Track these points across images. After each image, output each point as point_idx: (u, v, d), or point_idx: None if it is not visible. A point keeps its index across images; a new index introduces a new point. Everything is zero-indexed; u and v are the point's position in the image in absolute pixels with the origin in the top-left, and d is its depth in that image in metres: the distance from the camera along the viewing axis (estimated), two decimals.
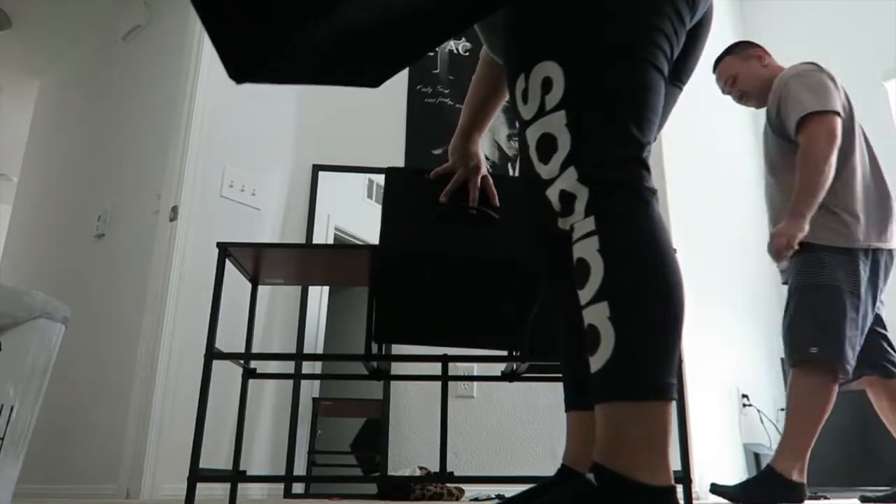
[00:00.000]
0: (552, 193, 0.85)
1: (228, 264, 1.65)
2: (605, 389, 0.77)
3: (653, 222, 0.82)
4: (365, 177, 3.29)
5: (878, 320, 2.17)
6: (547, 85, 0.86)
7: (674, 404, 0.78)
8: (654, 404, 0.75)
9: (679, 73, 1.05)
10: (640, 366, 0.77)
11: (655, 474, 0.74)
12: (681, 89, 1.08)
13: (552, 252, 1.01)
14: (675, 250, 0.84)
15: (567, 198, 0.83)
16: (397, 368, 2.78)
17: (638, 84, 0.85)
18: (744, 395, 3.54)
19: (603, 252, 0.79)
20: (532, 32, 0.90)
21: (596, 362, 0.78)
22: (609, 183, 0.82)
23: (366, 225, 3.25)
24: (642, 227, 0.81)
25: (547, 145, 0.85)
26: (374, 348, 1.59)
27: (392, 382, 2.95)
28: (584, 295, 0.80)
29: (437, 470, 2.67)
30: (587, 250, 0.81)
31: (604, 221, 0.81)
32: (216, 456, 2.56)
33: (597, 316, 0.78)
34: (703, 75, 4.31)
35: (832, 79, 2.15)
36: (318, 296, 3.04)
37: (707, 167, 3.77)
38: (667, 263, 0.81)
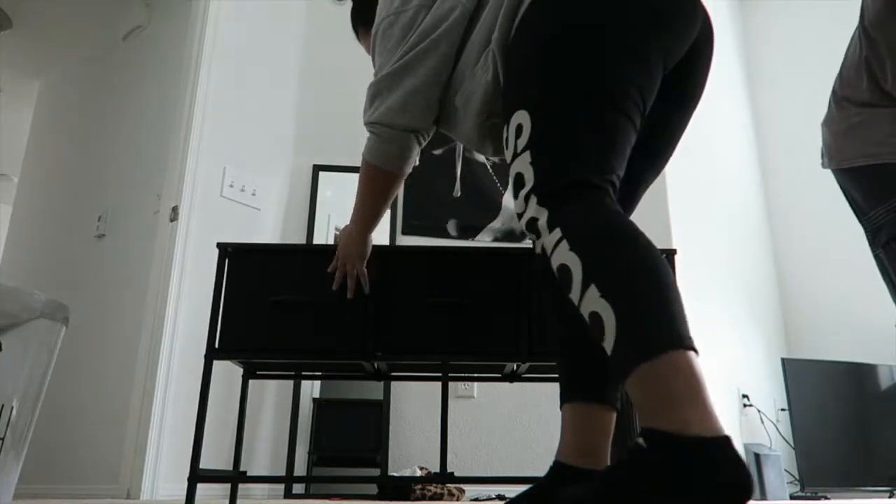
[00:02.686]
0: (524, 223, 0.94)
1: (227, 270, 1.65)
2: (624, 360, 0.77)
3: (612, 212, 0.89)
4: None
5: None
6: (518, 130, 0.97)
7: (696, 357, 0.76)
8: (674, 354, 0.74)
9: (680, 96, 1.12)
10: (647, 323, 0.77)
11: (704, 425, 0.71)
12: (685, 110, 1.16)
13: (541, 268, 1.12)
14: (637, 228, 0.89)
15: (531, 222, 0.92)
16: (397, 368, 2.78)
17: (592, 123, 0.94)
18: (744, 395, 3.54)
19: (574, 248, 0.85)
20: (509, 89, 1.04)
21: (608, 343, 0.78)
22: (565, 200, 0.90)
23: None
24: (603, 216, 0.88)
25: (518, 182, 0.95)
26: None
27: (392, 382, 2.95)
28: (574, 294, 0.84)
29: (437, 470, 2.67)
30: (562, 255, 0.86)
31: (567, 225, 0.87)
32: (216, 456, 2.57)
33: (591, 301, 0.81)
34: None
35: None
36: None
37: (707, 167, 3.77)
38: (636, 235, 0.86)
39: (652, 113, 1.04)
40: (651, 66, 0.99)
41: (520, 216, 0.95)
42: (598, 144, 0.93)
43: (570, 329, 1.13)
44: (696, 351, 0.76)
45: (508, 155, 1.00)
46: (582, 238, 0.86)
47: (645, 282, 0.80)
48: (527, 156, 0.94)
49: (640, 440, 0.74)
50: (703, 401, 0.73)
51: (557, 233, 0.87)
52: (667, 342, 0.75)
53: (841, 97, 1.75)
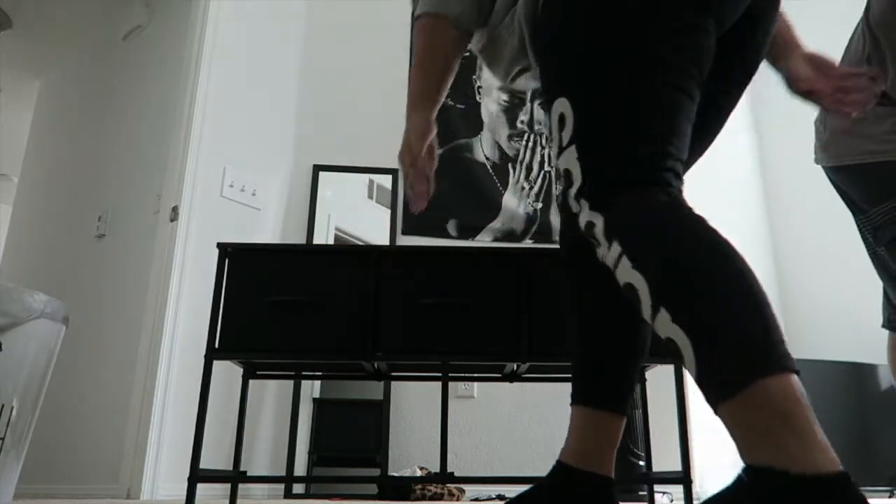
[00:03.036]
0: (582, 227, 0.86)
1: (227, 270, 1.65)
2: (708, 398, 0.70)
3: (675, 213, 0.79)
4: (366, 177, 3.29)
5: None
6: (561, 121, 0.87)
7: (788, 377, 0.66)
8: (760, 384, 0.65)
9: (738, 61, 1.00)
10: (724, 354, 0.68)
11: (810, 461, 0.62)
12: (742, 77, 1.03)
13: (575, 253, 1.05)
14: (711, 228, 0.78)
15: (588, 227, 0.84)
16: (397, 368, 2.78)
17: (643, 105, 0.83)
18: None
19: (637, 266, 0.76)
20: (545, 72, 0.94)
21: (691, 373, 0.71)
22: (620, 202, 0.81)
23: (366, 225, 3.25)
24: (664, 219, 0.79)
25: (566, 179, 0.87)
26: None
27: (392, 382, 2.95)
28: (646, 315, 0.76)
29: (437, 470, 2.67)
30: (626, 273, 0.78)
31: (626, 237, 0.79)
32: (216, 456, 2.57)
33: (665, 327, 0.73)
34: None
35: None
36: None
37: (707, 167, 3.77)
38: (703, 236, 0.76)
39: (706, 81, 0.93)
40: (704, 30, 0.87)
41: (575, 216, 0.87)
42: (653, 130, 0.83)
43: (597, 329, 1.06)
44: (788, 368, 0.66)
45: (554, 148, 0.91)
46: (644, 252, 0.77)
47: (719, 299, 0.71)
48: (573, 151, 0.85)
49: (742, 474, 0.67)
50: (802, 430, 0.63)
51: (616, 248, 0.79)
52: (749, 372, 0.66)
53: None
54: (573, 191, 0.85)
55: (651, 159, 0.82)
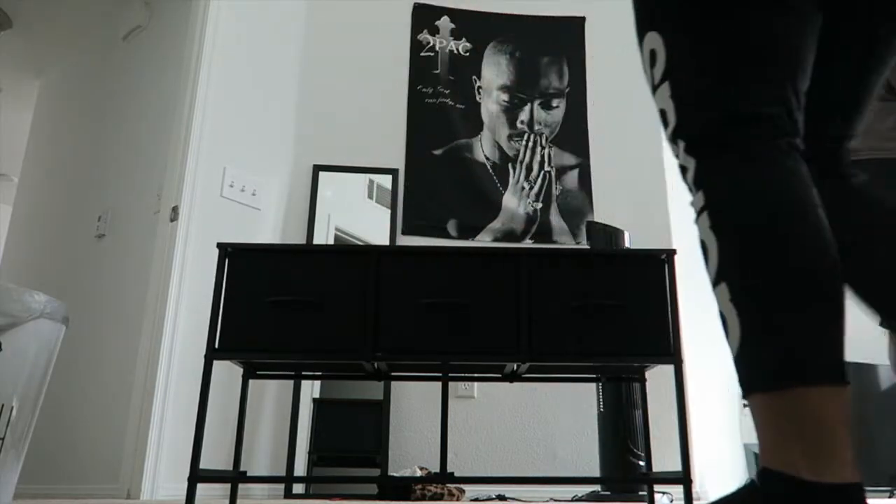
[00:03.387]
0: (679, 169, 0.80)
1: (227, 270, 1.65)
2: (742, 382, 0.69)
3: (772, 172, 0.71)
4: (366, 177, 3.29)
5: None
6: (653, 57, 0.81)
7: (831, 391, 0.63)
8: (798, 391, 0.63)
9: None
10: (771, 349, 0.66)
11: (819, 469, 0.61)
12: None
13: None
14: (815, 206, 0.70)
15: (682, 171, 0.78)
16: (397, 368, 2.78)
17: (741, 36, 0.74)
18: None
19: (714, 228, 0.71)
20: (637, 6, 0.85)
21: (732, 350, 0.69)
22: (716, 147, 0.74)
23: (366, 225, 3.25)
24: (758, 179, 0.71)
25: (664, 120, 0.80)
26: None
27: (392, 382, 2.95)
28: (710, 276, 0.73)
29: (437, 470, 2.67)
30: (703, 230, 0.73)
31: (712, 193, 0.72)
32: (216, 456, 2.57)
33: (722, 299, 0.70)
34: None
35: None
36: None
37: None
38: (796, 210, 0.69)
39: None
40: None
41: (677, 157, 0.80)
42: (754, 61, 0.73)
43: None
44: (834, 381, 0.64)
45: (649, 87, 0.83)
46: (724, 215, 0.71)
47: (786, 290, 0.66)
48: (666, 88, 0.78)
49: (756, 478, 0.66)
50: (819, 442, 0.62)
51: (701, 199, 0.73)
52: (791, 377, 0.64)
53: None
54: (668, 132, 0.79)
55: (755, 95, 0.73)
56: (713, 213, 0.72)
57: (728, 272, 0.69)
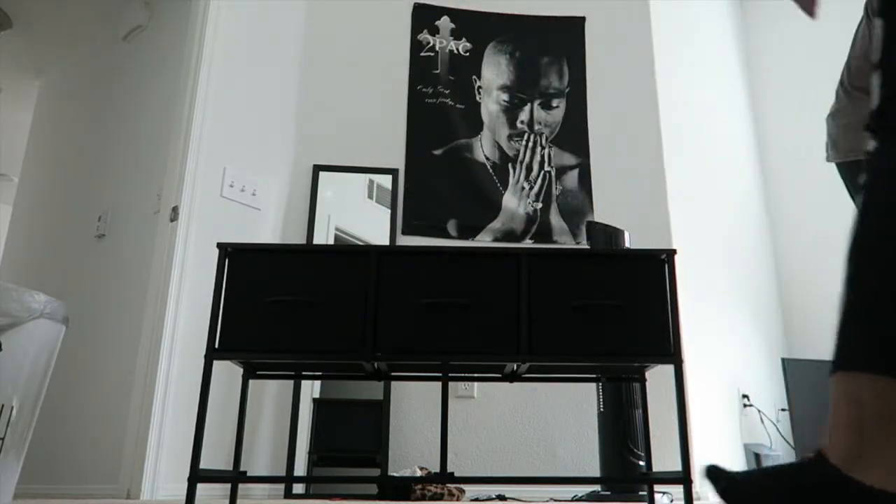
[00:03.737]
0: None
1: (228, 270, 1.65)
2: (830, 360, 0.71)
3: None
4: (366, 177, 3.29)
5: None
6: (875, 42, 0.79)
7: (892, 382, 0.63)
8: (863, 377, 0.65)
9: None
10: (854, 333, 0.68)
11: (850, 462, 0.63)
12: None
13: None
14: None
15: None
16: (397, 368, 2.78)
17: None
18: (744, 395, 3.54)
19: (863, 206, 0.70)
20: None
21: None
22: (891, 148, 0.71)
23: (366, 225, 3.25)
24: None
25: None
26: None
27: (392, 382, 2.95)
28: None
29: (437, 470, 2.67)
30: (859, 202, 0.73)
31: (876, 175, 0.71)
32: (216, 456, 2.57)
33: (842, 277, 0.71)
34: (704, 72, 4.30)
35: None
36: None
37: (708, 167, 3.78)
38: None
39: None
40: None
41: None
42: None
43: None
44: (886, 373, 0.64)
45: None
46: (874, 203, 0.70)
47: (883, 288, 0.66)
48: (877, 76, 0.76)
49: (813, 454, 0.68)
50: (859, 432, 0.64)
51: (863, 176, 0.72)
52: (859, 361, 0.67)
53: (853, 88, 1.69)
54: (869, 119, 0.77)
55: None
56: (868, 194, 0.71)
57: (853, 256, 0.70)
